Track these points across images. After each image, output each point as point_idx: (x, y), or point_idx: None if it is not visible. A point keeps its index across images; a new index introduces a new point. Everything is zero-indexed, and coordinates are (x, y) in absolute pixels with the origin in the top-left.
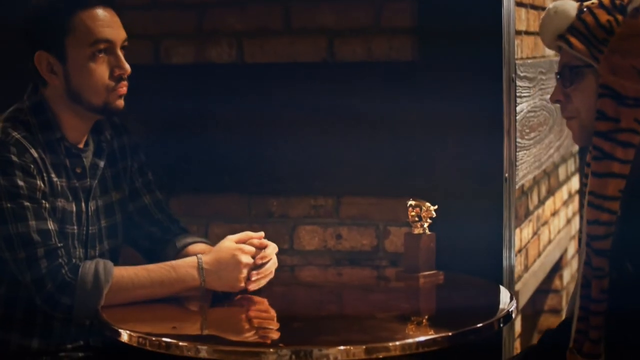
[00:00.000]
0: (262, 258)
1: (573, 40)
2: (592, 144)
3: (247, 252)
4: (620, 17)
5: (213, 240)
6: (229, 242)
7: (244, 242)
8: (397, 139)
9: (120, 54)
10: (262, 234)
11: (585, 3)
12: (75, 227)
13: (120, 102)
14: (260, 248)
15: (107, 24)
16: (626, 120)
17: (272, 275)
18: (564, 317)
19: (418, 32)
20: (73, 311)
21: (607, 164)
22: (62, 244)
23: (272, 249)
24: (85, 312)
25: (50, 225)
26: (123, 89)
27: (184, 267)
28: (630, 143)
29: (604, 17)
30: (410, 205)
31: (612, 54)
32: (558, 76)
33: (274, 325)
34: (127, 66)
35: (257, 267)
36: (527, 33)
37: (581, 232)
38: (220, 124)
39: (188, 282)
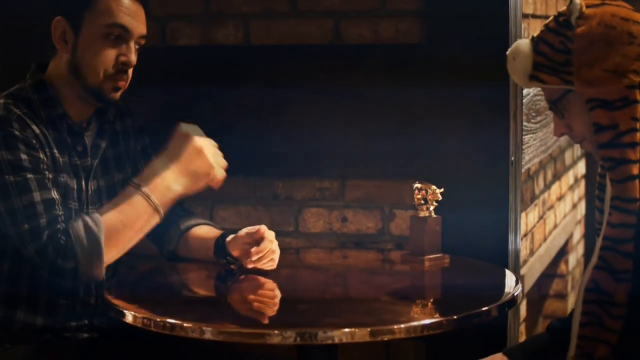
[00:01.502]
0: (258, 252)
1: (543, 76)
2: (601, 156)
3: (210, 146)
4: (569, 33)
5: (218, 223)
6: (190, 140)
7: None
8: (403, 121)
9: (132, 45)
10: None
11: (535, 34)
12: (77, 204)
13: (115, 95)
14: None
15: (130, 13)
16: (623, 122)
17: (274, 263)
18: (569, 301)
19: (425, 14)
20: (79, 273)
21: (623, 170)
22: (62, 212)
23: (269, 234)
24: (92, 269)
25: (54, 194)
26: (122, 82)
27: (160, 189)
28: (636, 142)
29: (555, 40)
30: (416, 188)
31: (580, 71)
32: (551, 111)
33: (279, 307)
34: (134, 58)
35: (255, 244)
36: (534, 16)
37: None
38: (225, 105)
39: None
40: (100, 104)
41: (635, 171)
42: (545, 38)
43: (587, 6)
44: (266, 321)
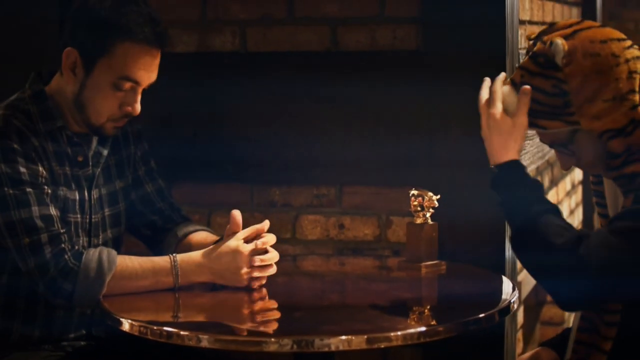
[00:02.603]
0: (262, 261)
1: (543, 122)
2: (613, 177)
3: (247, 254)
4: (559, 75)
5: (215, 229)
6: (230, 244)
7: (250, 237)
8: (401, 128)
9: (139, 93)
10: (266, 223)
11: (512, 78)
12: (79, 216)
13: (114, 132)
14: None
15: (145, 66)
16: (636, 144)
17: (274, 271)
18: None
19: (422, 21)
20: (73, 298)
21: (633, 182)
22: (64, 230)
23: (270, 238)
24: (86, 300)
25: (53, 210)
26: (122, 123)
27: (188, 262)
28: None
29: (546, 84)
30: (413, 194)
31: (582, 109)
32: (557, 151)
33: (276, 314)
34: (138, 108)
35: (260, 253)
36: (531, 22)
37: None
38: (223, 112)
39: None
40: (96, 136)
41: None
42: (532, 84)
43: (564, 40)
44: (263, 329)
